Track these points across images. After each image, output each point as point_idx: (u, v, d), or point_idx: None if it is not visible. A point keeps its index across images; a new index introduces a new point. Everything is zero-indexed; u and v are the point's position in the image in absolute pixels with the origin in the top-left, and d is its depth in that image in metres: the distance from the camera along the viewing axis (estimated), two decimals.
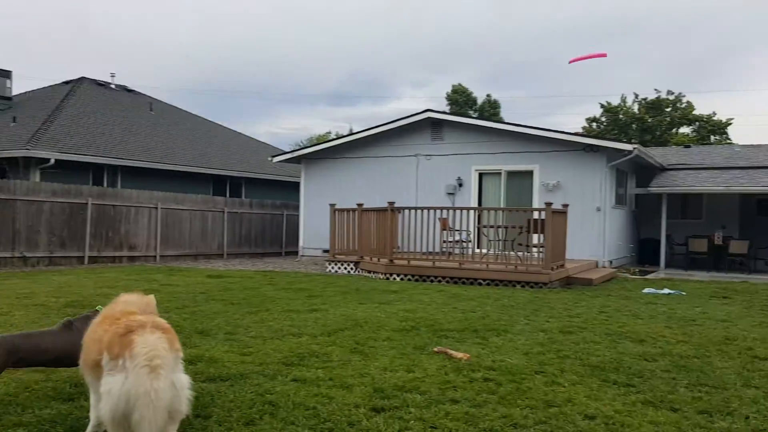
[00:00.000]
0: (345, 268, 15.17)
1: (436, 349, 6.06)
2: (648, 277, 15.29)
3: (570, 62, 10.64)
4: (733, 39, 73.80)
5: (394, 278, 13.40)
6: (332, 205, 15.49)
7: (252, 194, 23.89)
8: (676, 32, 73.94)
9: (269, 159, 21.59)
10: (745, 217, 19.86)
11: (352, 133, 19.96)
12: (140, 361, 3.01)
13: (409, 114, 18.38)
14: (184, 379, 3.23)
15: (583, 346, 6.56)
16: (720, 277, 15.47)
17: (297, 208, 20.92)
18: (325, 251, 17.08)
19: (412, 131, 18.42)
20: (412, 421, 4.02)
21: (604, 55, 11.35)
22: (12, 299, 9.06)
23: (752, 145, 23.04)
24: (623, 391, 4.88)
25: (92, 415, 3.62)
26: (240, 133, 30.41)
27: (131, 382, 2.99)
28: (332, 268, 15.34)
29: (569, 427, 3.96)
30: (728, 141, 41.55)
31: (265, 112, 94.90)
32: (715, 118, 42.52)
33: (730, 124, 42.37)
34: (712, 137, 42.15)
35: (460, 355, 5.77)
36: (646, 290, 12.12)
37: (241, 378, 4.95)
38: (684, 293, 11.74)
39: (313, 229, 19.63)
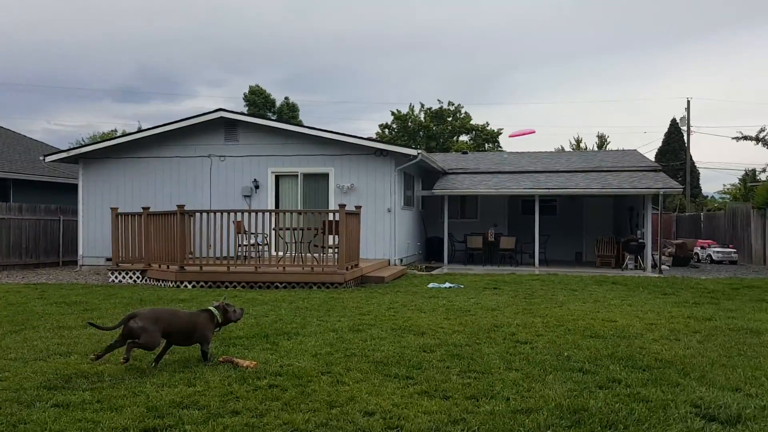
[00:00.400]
0: (131, 278, 14.12)
1: (221, 359, 5.84)
2: (433, 273, 16.39)
3: (510, 136, 11.55)
4: (503, 58, 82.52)
5: (186, 286, 12.77)
6: (114, 209, 14.35)
7: (22, 198, 21.20)
8: (459, 49, 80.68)
9: (41, 159, 19.35)
10: (512, 216, 22.24)
11: (138, 131, 18.63)
12: None
13: (201, 113, 17.66)
14: None
15: (370, 342, 6.79)
16: (493, 270, 17.10)
17: (76, 212, 19.01)
18: (109, 260, 15.76)
19: (204, 131, 17.73)
20: None
21: (533, 132, 12.89)
22: None
23: (517, 152, 25.90)
24: (403, 384, 5.12)
25: None
26: (7, 129, 26.88)
27: None
28: (116, 278, 14.18)
29: (349, 427, 4.04)
30: (499, 148, 46.32)
31: (40, 108, 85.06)
32: (488, 128, 47.13)
33: (501, 133, 47.29)
34: (486, 145, 46.67)
35: (246, 363, 5.63)
36: (430, 285, 12.96)
37: None
38: (462, 286, 12.75)
39: (95, 235, 18.02)
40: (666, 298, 10.93)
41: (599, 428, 4.05)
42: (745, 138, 22.40)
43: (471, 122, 47.23)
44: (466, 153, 27.80)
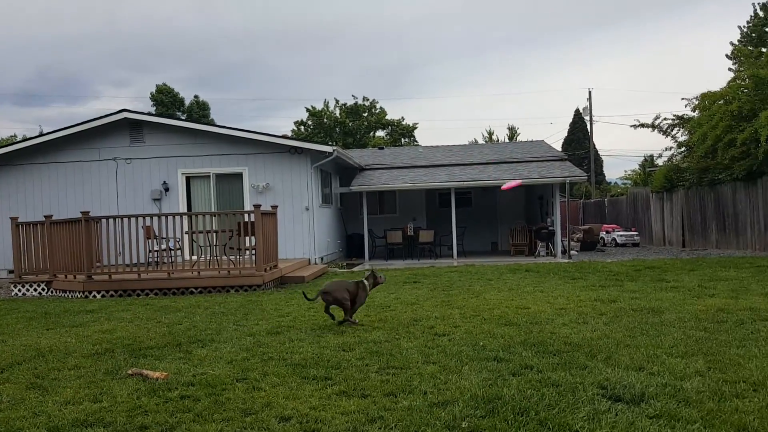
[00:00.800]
0: (35, 290, 13.32)
1: (130, 372, 5.59)
2: (354, 270, 16.39)
3: (502, 189, 11.48)
4: (419, 52, 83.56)
5: (95, 296, 12.16)
6: (14, 219, 13.46)
7: None
8: (370, 43, 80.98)
9: None
10: (430, 210, 22.59)
11: (38, 136, 17.57)
12: None
13: (103, 114, 16.85)
14: None
15: (288, 345, 6.68)
16: (413, 264, 17.30)
17: None
18: (11, 272, 14.79)
19: (108, 133, 16.93)
20: None
21: (521, 183, 13.21)
22: None
23: (432, 146, 26.31)
24: (321, 386, 5.06)
25: None
26: None
27: None
28: (19, 290, 13.34)
29: None
30: (415, 143, 46.92)
31: None
32: (404, 123, 47.62)
33: (416, 128, 47.90)
34: (403, 140, 47.16)
35: (156, 374, 5.40)
36: None
37: None
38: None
39: None
40: (575, 283, 11.40)
41: (512, 416, 4.14)
42: (642, 125, 23.66)
43: (387, 117, 47.56)
44: (382, 148, 27.96)
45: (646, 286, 10.54)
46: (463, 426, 4.00)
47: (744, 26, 30.47)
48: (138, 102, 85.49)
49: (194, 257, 14.05)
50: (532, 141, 26.95)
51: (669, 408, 4.19)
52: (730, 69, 26.98)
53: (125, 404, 4.68)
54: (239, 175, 16.77)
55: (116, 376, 5.55)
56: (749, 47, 27.14)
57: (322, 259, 17.27)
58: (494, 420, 4.08)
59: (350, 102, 47.48)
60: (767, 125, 15.49)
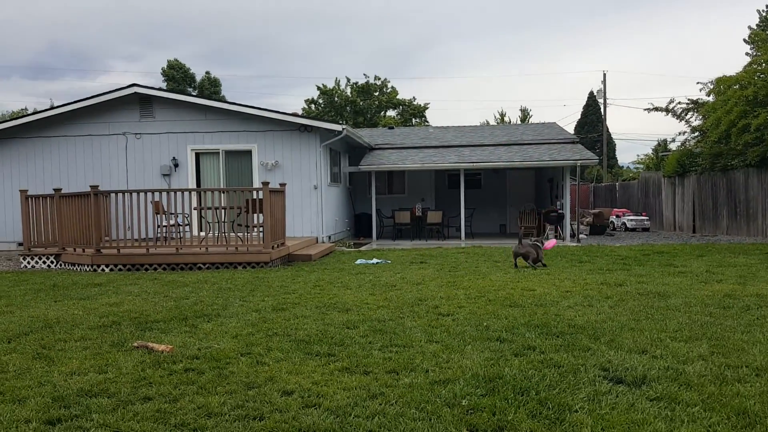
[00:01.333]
0: (44, 263, 13.46)
1: (135, 344, 5.65)
2: (362, 249, 16.43)
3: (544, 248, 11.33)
4: (429, 31, 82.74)
5: (103, 269, 12.28)
6: (23, 191, 13.56)
7: None
8: (384, 22, 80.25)
9: None
10: (439, 191, 22.52)
11: (48, 109, 17.59)
12: None
13: (114, 89, 16.85)
14: None
15: (293, 321, 6.72)
16: (420, 245, 17.31)
17: None
18: (21, 245, 14.93)
19: (118, 107, 16.95)
20: (93, 429, 3.66)
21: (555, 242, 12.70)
22: None
23: (443, 127, 26.16)
24: (324, 362, 5.10)
25: None
26: None
27: None
28: (28, 263, 13.48)
29: (265, 407, 3.98)
30: (426, 123, 46.69)
31: None
32: (415, 103, 47.33)
33: (427, 108, 47.61)
34: (413, 120, 46.92)
35: (162, 347, 5.46)
36: (358, 261, 12.98)
37: None
38: (389, 261, 12.84)
39: (6, 219, 17.06)
40: (582, 266, 11.37)
41: (512, 395, 4.16)
42: (656, 109, 23.39)
43: (398, 97, 47.28)
44: (392, 128, 27.84)
45: (653, 271, 10.50)
46: (463, 404, 4.02)
47: (763, 10, 29.92)
48: (149, 77, 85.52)
49: (202, 233, 14.12)
50: (543, 123, 26.73)
51: (670, 391, 4.18)
52: (747, 53, 26.57)
53: (130, 375, 4.73)
54: (248, 153, 16.77)
55: (122, 349, 5.61)
56: (767, 32, 26.67)
57: (329, 237, 17.31)
58: (494, 399, 4.10)
59: (361, 81, 47.21)
60: None
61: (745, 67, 19.85)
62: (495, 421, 3.72)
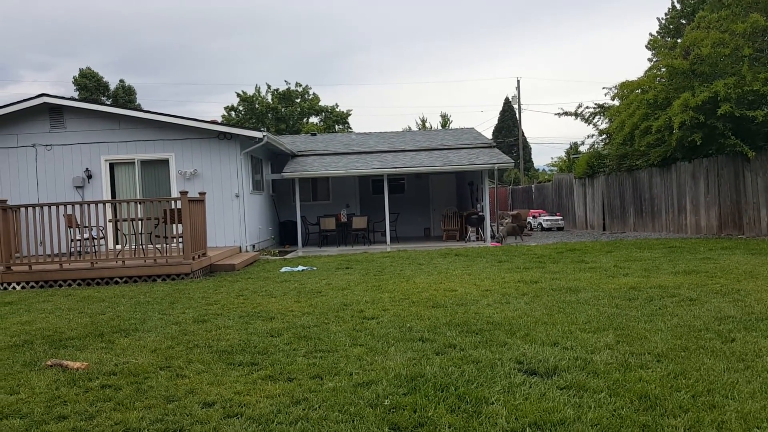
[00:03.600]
0: None
1: (49, 363, 5.43)
2: (287, 257, 16.32)
3: None
4: (350, 38, 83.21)
5: (14, 287, 11.65)
6: None
7: None
8: (301, 29, 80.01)
9: None
10: (363, 196, 22.69)
11: None
12: None
13: (21, 99, 16.03)
14: None
15: (215, 332, 6.63)
16: (346, 251, 17.39)
17: None
18: None
19: (27, 119, 16.14)
20: None
21: None
22: None
23: (366, 133, 26.38)
24: (246, 371, 5.07)
25: None
26: None
27: None
28: None
29: (185, 420, 3.94)
30: (349, 129, 46.90)
31: None
32: (338, 109, 47.44)
33: (350, 114, 47.84)
34: (336, 126, 47.02)
35: (77, 364, 5.28)
36: (283, 269, 12.90)
37: None
38: (315, 268, 12.84)
39: None
40: (501, 265, 11.77)
41: (433, 392, 4.30)
42: (566, 114, 24.47)
43: (320, 104, 47.24)
44: (315, 135, 27.80)
45: (566, 267, 11.00)
46: (386, 403, 4.12)
47: (662, 18, 31.91)
48: (60, 86, 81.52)
49: (119, 246, 13.64)
50: (462, 128, 27.41)
51: (578, 379, 4.44)
52: (648, 59, 28.25)
53: (43, 395, 4.56)
54: (165, 162, 16.34)
55: (35, 368, 5.39)
56: (666, 38, 28.47)
57: (253, 246, 17.10)
58: (416, 397, 4.22)
59: (283, 87, 46.88)
60: (680, 113, 16.35)
61: (646, 72, 21.12)
62: (416, 418, 3.84)
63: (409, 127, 53.48)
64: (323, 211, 21.15)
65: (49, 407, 4.28)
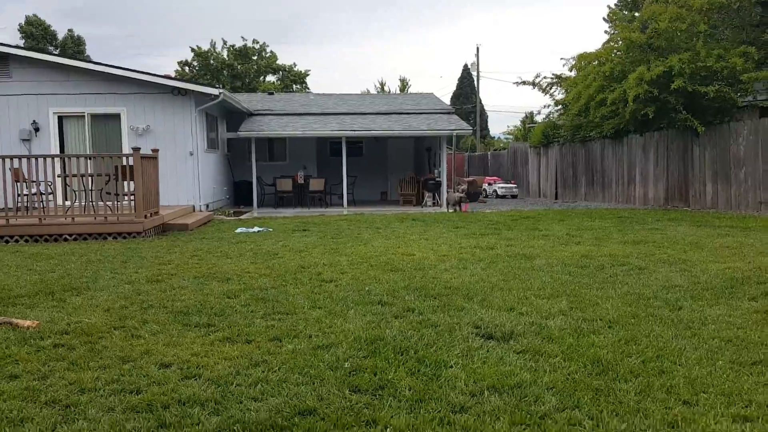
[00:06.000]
0: None
1: None
2: (242, 217, 16.11)
3: None
4: (307, 1, 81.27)
5: None
6: None
7: None
8: None
9: None
10: (321, 158, 22.47)
11: None
12: None
13: None
14: None
15: (169, 293, 6.52)
16: (303, 213, 17.27)
17: None
18: None
19: None
20: None
21: None
22: None
23: (325, 94, 26.00)
24: (203, 332, 5.02)
25: None
26: None
27: None
28: None
29: (142, 381, 3.88)
30: (307, 89, 46.14)
31: None
32: (296, 69, 46.55)
33: (308, 74, 47.03)
34: (294, 86, 46.19)
35: (27, 323, 5.12)
36: (238, 230, 12.74)
37: None
38: (271, 230, 12.72)
39: None
40: (457, 231, 11.90)
41: (393, 355, 4.34)
42: (524, 83, 24.60)
43: (278, 62, 46.23)
44: (272, 93, 27.26)
45: (521, 235, 11.20)
46: (346, 366, 4.14)
47: None
48: (4, 34, 77.29)
49: (68, 203, 13.17)
50: (421, 93, 27.31)
51: (534, 344, 4.55)
52: (605, 32, 28.54)
53: None
54: (117, 116, 15.77)
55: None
56: (625, 11, 28.75)
57: (207, 206, 16.80)
58: (375, 360, 4.26)
59: (239, 44, 45.61)
60: (635, 87, 16.63)
61: (604, 44, 21.34)
62: (376, 380, 3.88)
63: (368, 89, 52.96)
64: (280, 172, 20.86)
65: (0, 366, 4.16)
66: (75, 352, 4.46)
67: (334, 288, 6.70)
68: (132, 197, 12.01)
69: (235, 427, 3.20)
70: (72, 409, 3.46)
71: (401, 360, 4.25)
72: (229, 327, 5.16)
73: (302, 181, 19.35)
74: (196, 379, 3.93)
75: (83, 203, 12.34)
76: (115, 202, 12.24)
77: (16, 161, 12.11)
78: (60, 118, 15.74)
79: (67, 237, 11.45)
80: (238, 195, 20.37)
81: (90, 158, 13.17)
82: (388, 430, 3.18)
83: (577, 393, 3.62)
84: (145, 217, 11.82)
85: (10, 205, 11.91)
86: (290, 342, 4.74)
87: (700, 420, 3.23)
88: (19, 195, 12.30)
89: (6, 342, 4.71)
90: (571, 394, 3.62)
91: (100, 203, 12.23)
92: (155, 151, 12.94)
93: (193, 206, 15.97)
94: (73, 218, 11.68)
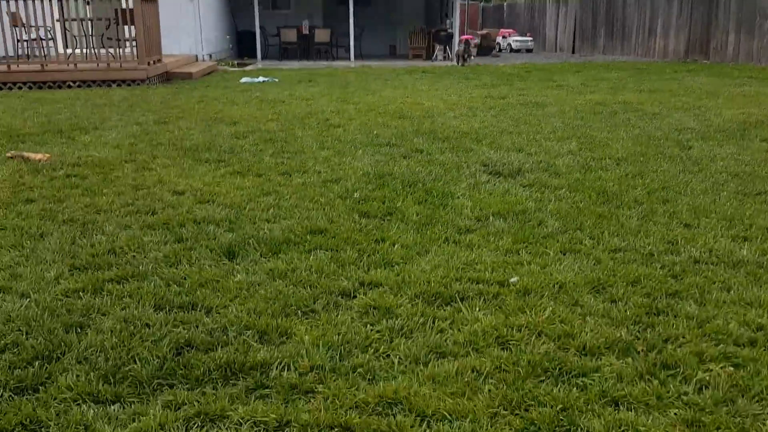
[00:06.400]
0: None
1: (9, 154, 5.31)
2: (246, 68, 15.73)
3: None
4: None
5: None
6: None
7: None
8: None
9: None
10: (327, 7, 21.42)
11: None
12: None
13: None
14: None
15: (177, 133, 6.52)
16: (309, 65, 16.82)
17: None
18: None
19: None
20: None
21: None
22: None
23: None
24: (214, 167, 5.07)
25: None
26: None
27: None
28: None
29: (157, 204, 3.98)
30: None
31: None
32: None
33: None
34: None
35: (38, 156, 5.18)
36: (243, 80, 12.48)
37: None
38: (277, 80, 12.46)
39: None
40: (468, 82, 11.63)
41: (401, 187, 4.40)
42: None
43: None
44: None
45: (534, 85, 10.95)
46: (355, 196, 4.21)
47: None
48: None
49: (69, 50, 12.83)
50: None
51: (541, 179, 4.59)
52: None
53: (7, 182, 4.51)
54: None
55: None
56: None
57: (210, 56, 16.36)
58: (384, 191, 4.32)
59: None
60: None
61: None
62: (385, 208, 3.96)
63: None
64: (283, 22, 20.01)
65: (16, 192, 4.25)
66: (88, 181, 4.54)
67: (342, 132, 6.66)
68: (134, 43, 11.65)
69: (249, 241, 3.32)
70: (89, 225, 3.58)
71: (409, 191, 4.31)
72: (239, 162, 5.20)
73: (307, 32, 18.65)
74: (209, 204, 4.03)
75: (84, 50, 12.03)
76: (117, 49, 11.92)
77: (12, 4, 11.64)
78: None
79: (71, 84, 11.27)
80: (241, 46, 19.73)
81: (89, 2, 12.65)
82: (396, 246, 3.29)
83: (580, 218, 3.70)
84: (148, 64, 11.55)
85: (11, 52, 11.63)
86: (300, 177, 4.80)
87: (700, 239, 3.32)
88: (18, 41, 11.96)
89: (20, 172, 4.79)
90: (574, 219, 3.69)
91: (102, 51, 11.91)
92: None
93: (196, 56, 15.56)
94: (75, 65, 11.43)
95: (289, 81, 12.35)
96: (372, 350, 2.29)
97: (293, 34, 18.43)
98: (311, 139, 6.28)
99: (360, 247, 3.29)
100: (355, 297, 2.74)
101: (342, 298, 2.73)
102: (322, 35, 18.40)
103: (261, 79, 12.52)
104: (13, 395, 2.01)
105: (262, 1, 18.81)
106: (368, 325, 2.48)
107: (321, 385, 2.07)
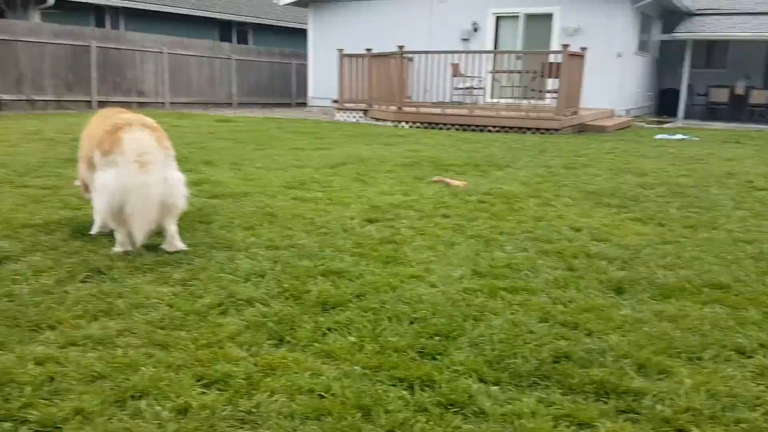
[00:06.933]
0: (353, 117, 15.09)
1: (434, 179, 6.17)
2: (664, 126, 15.06)
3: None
4: None
5: (403, 125, 13.37)
6: (340, 50, 15.07)
7: (259, 42, 23.18)
8: None
9: (275, 1, 20.73)
10: None
11: None
12: (130, 158, 3.11)
13: None
14: (177, 176, 3.35)
15: (583, 178, 6.64)
16: (737, 127, 15.19)
17: (305, 56, 20.36)
18: (335, 101, 16.85)
19: None
20: (403, 229, 4.20)
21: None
22: (20, 135, 9.22)
23: None
24: (615, 211, 5.00)
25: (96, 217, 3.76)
26: None
27: (123, 177, 3.12)
28: (341, 116, 15.28)
29: (554, 235, 4.11)
30: None
31: None
32: None
33: None
34: None
35: (458, 183, 5.88)
36: (658, 136, 12.02)
37: (243, 196, 5.14)
38: (697, 138, 11.62)
39: (322, 78, 19.24)
40: None
41: None
42: None
43: None
44: None
45: None
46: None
47: None
48: None
49: (494, 99, 14.31)
50: None
51: None
52: None
53: (430, 199, 5.24)
54: (549, 16, 16.05)
55: (422, 181, 6.19)
56: None
57: (627, 112, 16.16)
58: None
59: None
60: None
61: None
62: None
63: None
64: (714, 81, 18.54)
65: (435, 208, 4.91)
66: (495, 208, 4.96)
67: (765, 195, 5.84)
68: (554, 95, 12.33)
69: (641, 282, 3.20)
70: (492, 242, 3.93)
71: None
72: (641, 210, 5.02)
73: (741, 92, 16.89)
74: (604, 243, 3.99)
75: (509, 100, 13.26)
76: (537, 100, 12.78)
77: (456, 57, 13.59)
78: (497, 18, 16.81)
79: (491, 129, 12.51)
80: (662, 104, 18.98)
81: (519, 57, 13.92)
82: None
83: None
84: (564, 115, 12.06)
85: (447, 99, 13.57)
86: (706, 232, 4.39)
87: None
88: (454, 88, 13.86)
89: (440, 194, 5.52)
90: None
91: (524, 101, 12.93)
92: (583, 49, 12.89)
93: (612, 110, 15.56)
94: (497, 112, 12.66)
95: (712, 140, 11.40)
96: (761, 411, 2.07)
97: (725, 93, 16.94)
98: (727, 198, 5.68)
99: (766, 310, 2.89)
100: (751, 357, 2.45)
101: (736, 354, 2.49)
102: (759, 96, 16.47)
103: (679, 136, 11.86)
104: (416, 357, 2.40)
105: (695, 59, 17.79)
106: (761, 386, 2.24)
107: (696, 428, 1.97)
